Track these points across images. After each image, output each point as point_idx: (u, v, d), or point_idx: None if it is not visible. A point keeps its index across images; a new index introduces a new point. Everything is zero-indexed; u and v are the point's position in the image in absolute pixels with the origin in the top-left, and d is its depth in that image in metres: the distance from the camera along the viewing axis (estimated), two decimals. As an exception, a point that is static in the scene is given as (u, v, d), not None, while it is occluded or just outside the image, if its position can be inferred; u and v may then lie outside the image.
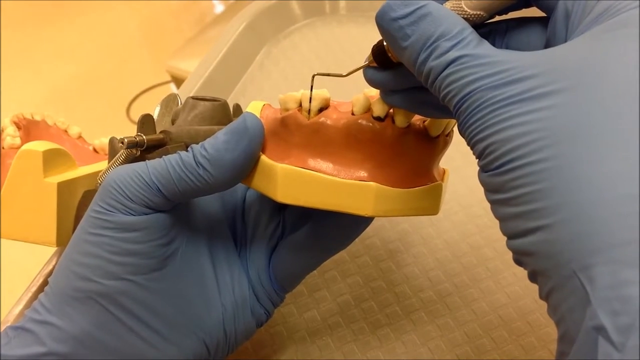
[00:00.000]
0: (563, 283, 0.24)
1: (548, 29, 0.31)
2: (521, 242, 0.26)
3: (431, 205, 0.39)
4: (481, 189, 0.29)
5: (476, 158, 0.28)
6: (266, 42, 0.82)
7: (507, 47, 0.33)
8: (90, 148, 0.62)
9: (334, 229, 0.42)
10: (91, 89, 2.28)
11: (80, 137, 0.62)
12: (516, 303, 0.51)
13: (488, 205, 0.28)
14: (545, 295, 0.26)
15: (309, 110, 0.37)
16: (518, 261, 0.28)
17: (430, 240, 0.57)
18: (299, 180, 0.37)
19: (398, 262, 0.55)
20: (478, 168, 0.28)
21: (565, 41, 0.29)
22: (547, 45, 0.31)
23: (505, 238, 0.28)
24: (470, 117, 0.27)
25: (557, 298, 0.25)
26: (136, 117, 0.48)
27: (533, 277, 0.27)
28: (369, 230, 0.56)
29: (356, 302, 0.53)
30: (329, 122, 0.36)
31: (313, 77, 0.36)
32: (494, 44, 0.31)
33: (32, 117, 0.61)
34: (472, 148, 0.28)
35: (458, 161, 0.61)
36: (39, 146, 0.49)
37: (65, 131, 0.61)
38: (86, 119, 2.05)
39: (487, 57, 0.27)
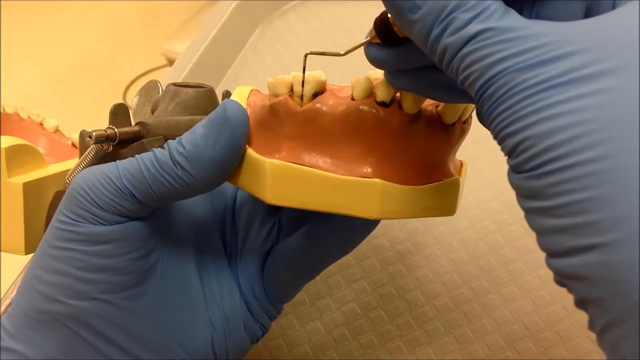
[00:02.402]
0: (624, 318, 0.20)
1: None
2: (567, 263, 0.22)
3: (447, 204, 0.35)
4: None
5: (505, 155, 0.24)
6: (259, 22, 0.79)
7: (537, 17, 0.28)
8: (69, 143, 0.58)
9: (334, 232, 0.38)
10: (87, 74, 2.31)
11: (57, 130, 0.58)
12: (543, 310, 0.47)
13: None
14: (599, 330, 0.22)
15: (302, 95, 0.33)
16: (561, 283, 0.23)
17: (444, 239, 0.53)
18: (291, 177, 0.33)
19: (409, 265, 0.52)
20: (507, 167, 0.24)
21: (613, 8, 0.25)
22: (589, 14, 0.26)
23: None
24: (497, 105, 0.23)
25: (615, 336, 0.21)
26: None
27: (582, 305, 0.23)
28: (375, 229, 0.52)
29: (363, 311, 0.50)
30: (324, 108, 0.33)
31: (305, 56, 0.33)
32: (521, 14, 0.26)
33: (4, 110, 0.57)
34: (500, 143, 0.24)
35: (472, 150, 0.58)
36: (1, 142, 0.46)
37: (41, 124, 0.58)
38: (82, 104, 2.07)
39: (517, 30, 0.23)
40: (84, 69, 2.32)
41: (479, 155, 0.57)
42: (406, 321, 0.48)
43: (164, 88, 0.46)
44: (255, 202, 0.41)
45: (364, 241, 0.39)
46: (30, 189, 0.46)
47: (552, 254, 0.23)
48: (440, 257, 0.52)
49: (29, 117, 0.57)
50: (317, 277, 0.50)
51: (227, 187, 0.43)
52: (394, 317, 0.48)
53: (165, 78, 0.67)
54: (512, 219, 0.52)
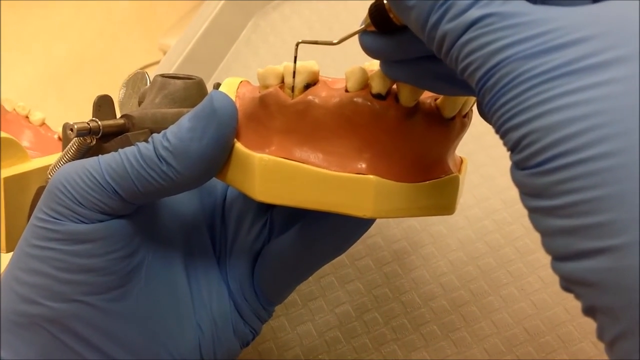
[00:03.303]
0: (638, 328, 0.19)
1: None
2: (575, 267, 0.20)
3: (445, 203, 0.34)
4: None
5: (508, 150, 0.23)
6: (253, 14, 0.78)
7: (543, 2, 0.26)
8: (55, 136, 0.57)
9: (328, 231, 0.37)
10: (84, 69, 2.29)
11: (43, 123, 0.57)
12: (544, 313, 0.46)
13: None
14: (609, 340, 0.20)
15: (293, 87, 0.32)
16: (568, 289, 0.22)
17: (442, 239, 0.51)
18: (281, 173, 0.32)
19: (405, 265, 0.50)
20: (509, 164, 0.23)
21: None
22: None
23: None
24: (499, 96, 0.22)
25: (627, 347, 0.19)
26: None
27: (590, 312, 0.21)
28: (370, 227, 0.51)
29: (357, 313, 0.48)
30: (317, 101, 0.31)
31: (297, 45, 0.31)
32: None
33: (-12, 104, 0.55)
34: (502, 137, 0.22)
35: (471, 146, 0.56)
36: (-20, 136, 0.44)
37: (26, 117, 0.56)
38: (79, 99, 2.06)
39: (521, 15, 0.22)
40: (81, 63, 2.31)
41: (478, 151, 0.56)
42: (402, 324, 0.47)
43: (151, 79, 0.44)
44: (246, 199, 0.40)
45: (358, 240, 0.38)
46: (12, 184, 0.45)
47: (559, 257, 0.21)
48: (438, 257, 0.50)
49: (14, 109, 0.56)
50: (310, 278, 0.49)
51: (217, 183, 0.41)
52: (389, 320, 0.47)
53: (156, 71, 0.66)
54: (512, 217, 0.51)
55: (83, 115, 0.58)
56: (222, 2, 0.73)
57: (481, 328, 0.46)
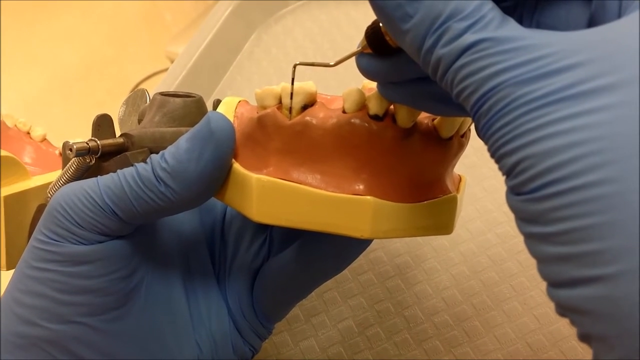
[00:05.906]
0: (633, 358, 0.18)
1: (594, 1, 0.25)
2: (569, 295, 0.20)
3: (443, 222, 0.34)
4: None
5: (503, 175, 0.22)
6: (256, 27, 0.77)
7: (538, 27, 0.26)
8: (56, 152, 0.56)
9: (326, 250, 0.37)
10: (91, 76, 2.28)
11: (44, 139, 0.56)
12: (547, 328, 0.45)
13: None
14: None
15: (291, 108, 0.31)
16: (563, 315, 0.21)
17: (444, 252, 0.51)
18: (279, 194, 0.32)
19: (407, 280, 0.49)
20: (506, 188, 0.22)
21: (619, 17, 0.23)
22: (593, 23, 0.25)
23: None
24: (494, 121, 0.21)
25: None
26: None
27: (586, 339, 0.21)
28: (373, 241, 0.50)
29: (360, 328, 0.48)
30: (314, 122, 0.31)
31: (294, 67, 0.31)
32: (520, 22, 0.25)
33: (-10, 120, 0.55)
34: (497, 162, 0.22)
35: (472, 158, 0.56)
36: (-20, 155, 0.44)
37: (28, 133, 0.56)
38: (86, 107, 2.06)
39: (515, 40, 0.21)
40: (88, 71, 2.30)
41: (480, 163, 0.55)
42: (404, 339, 0.46)
43: (151, 97, 0.44)
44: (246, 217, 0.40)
45: (361, 254, 0.38)
46: (12, 202, 0.45)
47: (553, 284, 0.21)
48: (440, 271, 0.50)
49: (15, 125, 0.56)
50: (313, 293, 0.48)
51: (217, 201, 0.40)
52: (392, 335, 0.46)
53: (159, 85, 0.66)
54: (515, 230, 0.50)
55: (89, 122, 0.57)
56: (225, 15, 0.72)
57: (484, 343, 0.45)
